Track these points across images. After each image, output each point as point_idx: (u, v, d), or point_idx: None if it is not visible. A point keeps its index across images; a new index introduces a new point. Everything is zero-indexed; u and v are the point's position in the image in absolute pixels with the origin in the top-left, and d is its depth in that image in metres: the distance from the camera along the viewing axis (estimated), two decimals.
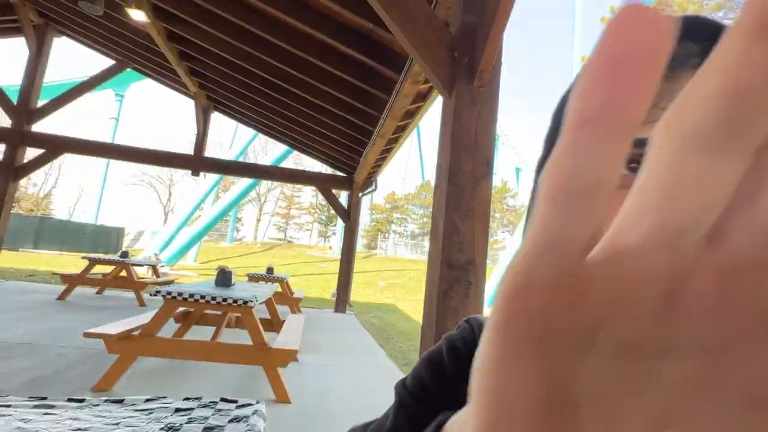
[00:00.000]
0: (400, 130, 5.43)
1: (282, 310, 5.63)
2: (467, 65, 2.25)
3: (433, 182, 2.39)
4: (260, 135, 10.90)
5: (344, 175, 8.17)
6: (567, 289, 0.10)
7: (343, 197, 8.69)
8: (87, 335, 2.63)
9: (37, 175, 36.23)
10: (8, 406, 1.33)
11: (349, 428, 0.36)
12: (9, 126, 7.43)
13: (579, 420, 0.10)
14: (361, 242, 35.73)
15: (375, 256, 32.35)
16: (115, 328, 2.77)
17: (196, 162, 7.90)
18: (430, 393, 0.34)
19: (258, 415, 1.52)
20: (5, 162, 7.19)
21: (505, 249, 22.77)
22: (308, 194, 43.01)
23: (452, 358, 0.34)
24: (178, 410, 1.48)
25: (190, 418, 1.38)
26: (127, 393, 2.48)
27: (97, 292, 7.00)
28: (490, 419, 0.11)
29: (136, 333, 2.82)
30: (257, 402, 1.64)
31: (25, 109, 7.43)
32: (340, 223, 30.07)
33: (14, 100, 7.50)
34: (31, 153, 7.58)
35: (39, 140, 7.44)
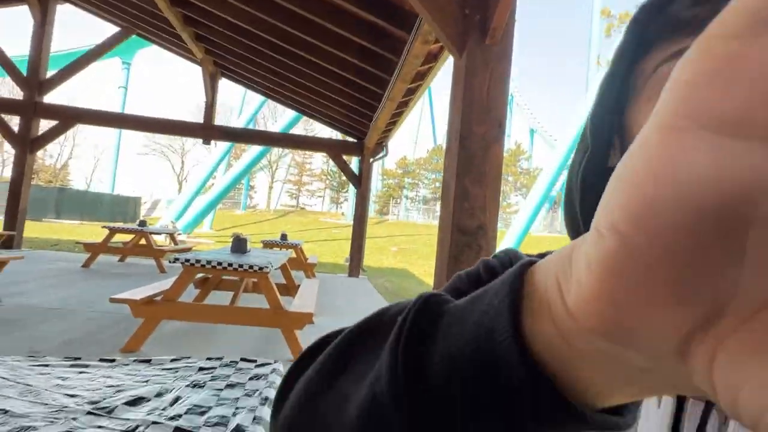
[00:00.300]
0: (411, 93, 5.31)
1: (297, 275, 5.77)
2: (479, 22, 2.15)
3: (445, 146, 2.35)
4: (269, 101, 10.76)
5: (354, 140, 8.09)
6: None
7: (354, 163, 8.66)
8: (113, 300, 2.76)
9: (52, 147, 36.75)
10: (47, 365, 1.43)
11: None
12: (21, 98, 7.48)
13: (747, 235, 0.08)
14: (373, 208, 35.83)
15: (387, 221, 32.53)
16: (139, 293, 2.89)
17: (207, 130, 7.90)
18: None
19: (276, 373, 1.60)
20: (20, 134, 7.29)
21: (518, 212, 22.64)
22: (319, 161, 42.91)
23: (490, 276, 0.32)
24: (201, 369, 1.57)
25: (213, 376, 1.47)
26: (152, 354, 2.62)
27: (119, 260, 7.26)
28: (644, 235, 0.09)
29: (158, 298, 2.95)
30: (275, 361, 1.72)
31: (35, 80, 7.43)
32: (351, 189, 30.11)
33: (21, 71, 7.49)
34: (43, 124, 7.66)
35: (51, 111, 7.49)
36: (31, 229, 11.18)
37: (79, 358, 1.52)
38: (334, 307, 4.98)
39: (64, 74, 7.76)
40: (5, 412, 1.06)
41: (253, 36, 5.66)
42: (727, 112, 0.08)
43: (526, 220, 18.43)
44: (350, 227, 9.00)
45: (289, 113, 17.17)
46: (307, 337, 3.19)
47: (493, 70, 2.15)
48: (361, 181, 8.13)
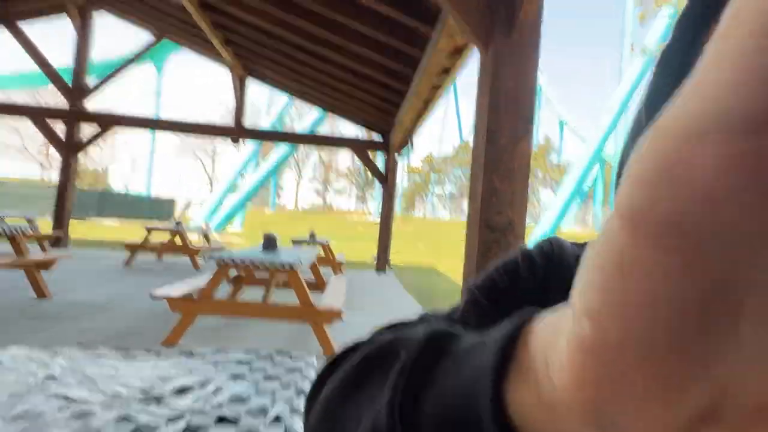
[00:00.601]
0: (436, 88, 5.28)
1: (325, 272, 5.86)
2: (505, 16, 2.13)
3: (471, 142, 2.34)
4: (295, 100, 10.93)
5: (380, 137, 8.13)
6: (753, 169, 0.07)
7: (379, 160, 8.70)
8: (153, 297, 2.90)
9: (93, 151, 38.65)
10: (100, 356, 1.54)
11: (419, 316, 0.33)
12: (65, 106, 7.91)
13: (740, 329, 0.08)
14: (399, 205, 35.79)
15: (414, 218, 32.47)
16: (176, 290, 3.02)
17: (237, 131, 8.13)
18: (502, 293, 0.31)
19: (310, 367, 1.66)
20: (66, 141, 7.72)
21: (547, 209, 22.11)
22: (345, 159, 43.27)
23: (527, 267, 0.32)
24: (240, 362, 1.64)
25: (251, 368, 1.54)
26: (191, 347, 2.75)
27: (157, 258, 7.59)
28: (616, 328, 0.08)
29: (195, 295, 3.08)
30: (309, 355, 1.78)
31: (78, 88, 7.84)
32: (377, 187, 30.19)
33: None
34: (84, 130, 8.08)
35: (93, 117, 7.90)
36: (77, 231, 11.83)
37: (129, 350, 1.63)
38: (362, 303, 5.04)
39: (103, 81, 8.17)
40: (66, 398, 1.16)
41: (279, 38, 5.78)
42: (666, 215, 0.08)
43: (557, 216, 18.01)
44: (377, 224, 9.05)
45: (315, 111, 17.40)
46: (336, 332, 3.25)
47: (520, 65, 2.12)
48: (387, 178, 8.16)
